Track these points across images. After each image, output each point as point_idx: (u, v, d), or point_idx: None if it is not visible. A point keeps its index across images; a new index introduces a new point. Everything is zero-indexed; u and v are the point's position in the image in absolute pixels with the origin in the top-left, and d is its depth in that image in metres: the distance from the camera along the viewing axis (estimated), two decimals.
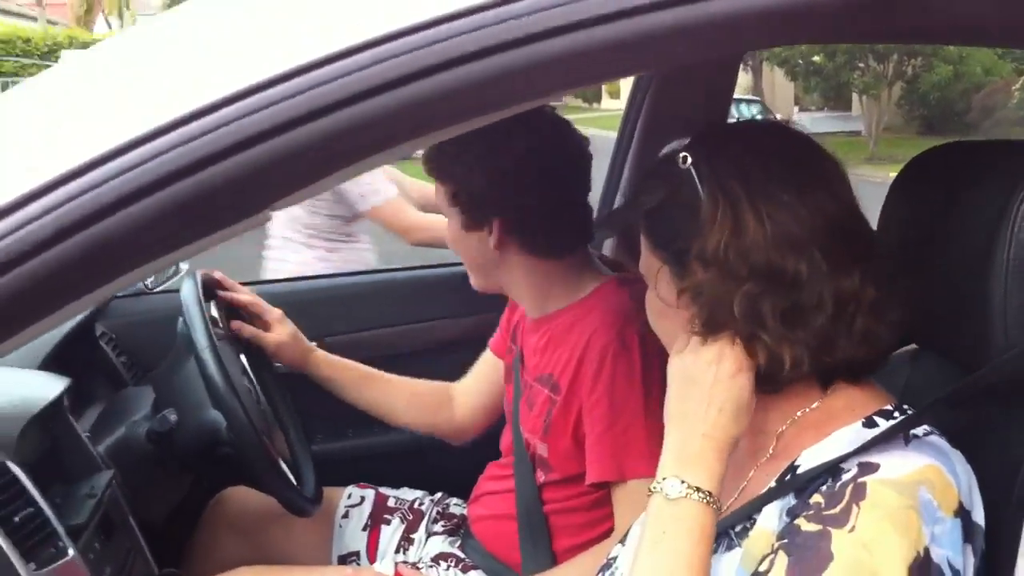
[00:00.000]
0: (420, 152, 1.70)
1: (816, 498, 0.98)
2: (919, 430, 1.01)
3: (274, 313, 1.93)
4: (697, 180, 1.05)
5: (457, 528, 1.91)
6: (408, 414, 2.01)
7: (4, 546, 1.21)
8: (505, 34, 0.67)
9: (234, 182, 0.64)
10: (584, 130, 1.74)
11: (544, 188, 1.61)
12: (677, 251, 1.08)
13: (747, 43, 1.09)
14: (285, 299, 2.32)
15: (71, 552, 1.30)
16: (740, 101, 24.96)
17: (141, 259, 0.63)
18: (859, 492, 0.95)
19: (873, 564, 0.91)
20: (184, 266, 2.23)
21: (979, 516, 0.99)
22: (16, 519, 1.27)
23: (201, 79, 0.70)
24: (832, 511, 0.95)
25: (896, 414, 1.05)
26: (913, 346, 1.25)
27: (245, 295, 1.92)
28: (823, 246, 1.03)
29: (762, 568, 0.96)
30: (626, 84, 2.46)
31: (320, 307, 2.37)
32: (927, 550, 0.93)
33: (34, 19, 22.17)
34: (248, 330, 1.89)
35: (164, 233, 0.62)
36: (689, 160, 1.06)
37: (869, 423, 1.04)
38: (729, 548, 1.05)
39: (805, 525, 0.96)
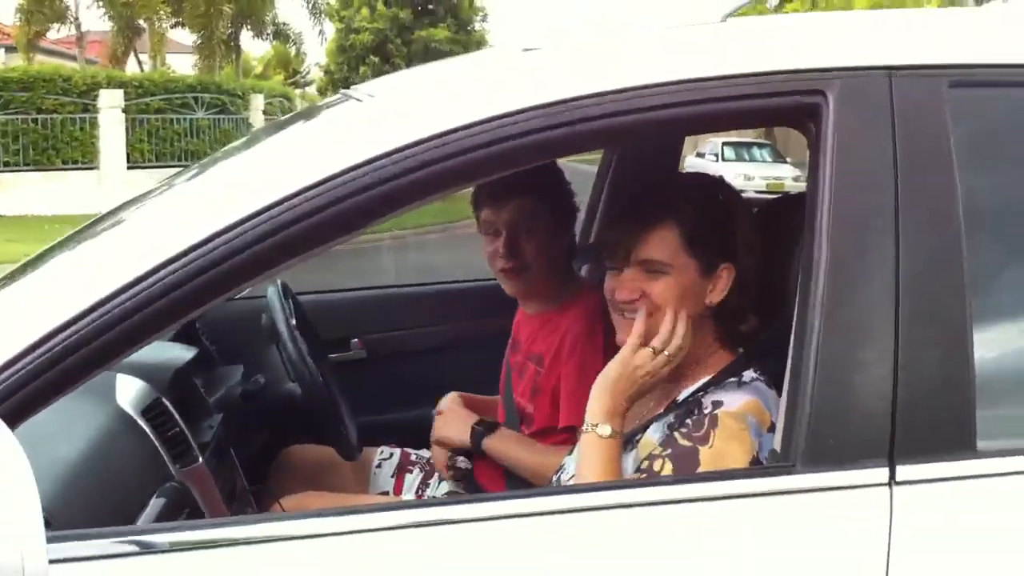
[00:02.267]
0: None
1: (688, 422, 1.55)
2: (747, 376, 1.59)
3: None
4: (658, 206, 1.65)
5: (462, 476, 2.53)
6: None
7: (162, 451, 1.85)
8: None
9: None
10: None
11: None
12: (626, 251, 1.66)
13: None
14: (330, 305, 2.98)
15: (200, 460, 1.92)
16: (752, 144, 25.13)
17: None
18: (713, 422, 1.53)
19: (724, 468, 1.48)
20: None
21: None
22: (168, 434, 1.90)
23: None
24: (698, 434, 1.52)
25: (735, 366, 1.65)
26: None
27: None
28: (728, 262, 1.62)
29: (655, 467, 1.52)
30: None
31: (356, 312, 3.03)
32: (757, 455, 1.50)
33: (73, 58, 23.01)
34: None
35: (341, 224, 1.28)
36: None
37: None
38: (631, 450, 1.64)
39: (681, 440, 1.53)
